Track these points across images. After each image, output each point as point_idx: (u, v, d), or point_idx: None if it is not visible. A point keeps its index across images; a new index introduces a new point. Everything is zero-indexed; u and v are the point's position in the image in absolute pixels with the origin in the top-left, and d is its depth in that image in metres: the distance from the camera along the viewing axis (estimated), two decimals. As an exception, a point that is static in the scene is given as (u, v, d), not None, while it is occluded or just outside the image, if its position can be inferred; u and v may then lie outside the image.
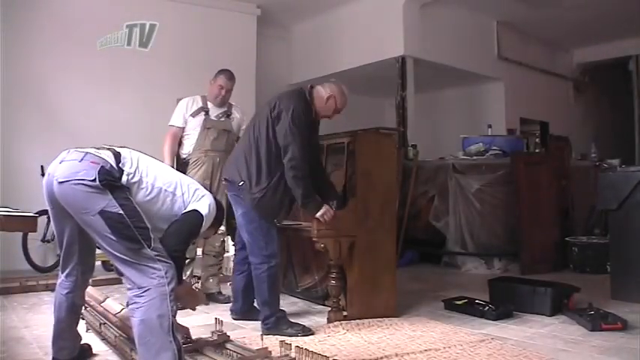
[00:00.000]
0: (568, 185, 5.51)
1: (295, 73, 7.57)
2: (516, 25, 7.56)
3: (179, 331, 1.94)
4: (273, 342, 2.44)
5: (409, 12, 6.34)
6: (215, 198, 2.29)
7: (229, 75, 3.73)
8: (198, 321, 2.52)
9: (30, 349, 2.57)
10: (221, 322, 2.54)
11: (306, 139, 2.81)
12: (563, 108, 8.77)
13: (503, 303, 3.27)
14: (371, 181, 3.11)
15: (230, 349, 2.32)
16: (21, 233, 4.52)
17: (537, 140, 7.54)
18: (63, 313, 2.19)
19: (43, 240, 4.83)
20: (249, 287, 3.06)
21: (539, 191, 5.04)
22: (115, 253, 1.89)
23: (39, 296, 3.89)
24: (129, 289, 1.91)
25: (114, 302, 2.76)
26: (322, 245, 2.92)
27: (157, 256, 1.90)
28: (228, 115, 3.76)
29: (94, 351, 2.47)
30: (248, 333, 2.86)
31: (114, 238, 1.87)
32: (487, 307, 3.22)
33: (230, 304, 3.31)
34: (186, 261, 3.49)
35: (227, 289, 3.76)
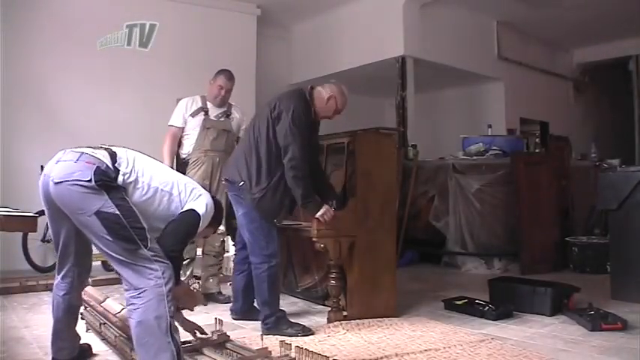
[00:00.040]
0: (568, 185, 5.51)
1: (295, 73, 7.57)
2: (516, 25, 7.56)
3: (177, 332, 1.93)
4: (273, 342, 2.44)
5: (409, 12, 6.34)
6: (214, 197, 2.28)
7: (229, 75, 3.73)
8: (199, 321, 2.53)
9: (30, 349, 2.57)
10: (221, 322, 2.54)
11: (306, 139, 2.81)
12: (563, 108, 8.77)
13: (503, 303, 3.27)
14: (371, 181, 3.11)
15: (230, 349, 2.33)
16: (21, 233, 4.52)
17: (537, 140, 7.54)
18: (60, 314, 2.19)
19: (43, 240, 4.82)
20: (250, 287, 3.06)
21: (539, 191, 5.04)
22: (112, 253, 1.89)
23: (39, 296, 3.90)
24: (126, 289, 1.91)
25: (114, 302, 2.76)
26: (322, 245, 2.92)
27: (154, 256, 1.90)
28: (227, 115, 3.76)
29: (94, 351, 2.47)
30: (248, 333, 2.86)
31: (110, 238, 1.86)
32: (487, 307, 3.22)
33: (230, 304, 3.31)
34: (186, 261, 3.51)
35: (227, 289, 3.76)
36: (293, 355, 2.24)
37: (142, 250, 1.88)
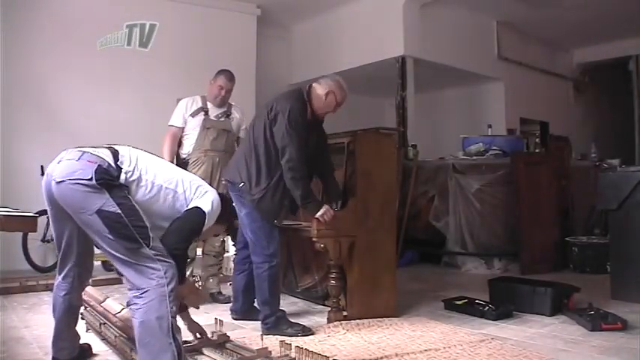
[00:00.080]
0: (568, 185, 5.51)
1: (295, 73, 7.56)
2: (516, 25, 7.56)
3: (180, 332, 1.93)
4: (273, 342, 2.44)
5: (409, 12, 6.35)
6: (221, 194, 2.26)
7: (229, 75, 3.73)
8: (199, 321, 2.53)
9: (30, 349, 2.57)
10: (221, 322, 2.54)
11: (304, 140, 2.80)
12: (563, 108, 8.77)
13: (503, 303, 3.27)
14: (371, 181, 3.11)
15: (230, 349, 2.33)
16: (21, 233, 4.52)
17: (537, 140, 7.54)
18: (60, 314, 2.19)
19: (43, 240, 4.83)
20: (250, 287, 3.07)
21: (539, 191, 5.04)
22: (114, 252, 1.88)
23: (39, 296, 3.90)
24: (129, 289, 1.90)
25: (114, 302, 2.76)
26: (322, 245, 2.92)
27: (156, 255, 1.89)
28: (227, 115, 3.76)
29: (94, 351, 2.47)
30: (248, 333, 2.86)
31: (112, 237, 1.86)
32: (487, 307, 3.22)
33: (230, 304, 3.31)
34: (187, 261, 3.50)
35: (227, 289, 3.76)
36: (293, 355, 2.24)
37: (144, 249, 1.87)
